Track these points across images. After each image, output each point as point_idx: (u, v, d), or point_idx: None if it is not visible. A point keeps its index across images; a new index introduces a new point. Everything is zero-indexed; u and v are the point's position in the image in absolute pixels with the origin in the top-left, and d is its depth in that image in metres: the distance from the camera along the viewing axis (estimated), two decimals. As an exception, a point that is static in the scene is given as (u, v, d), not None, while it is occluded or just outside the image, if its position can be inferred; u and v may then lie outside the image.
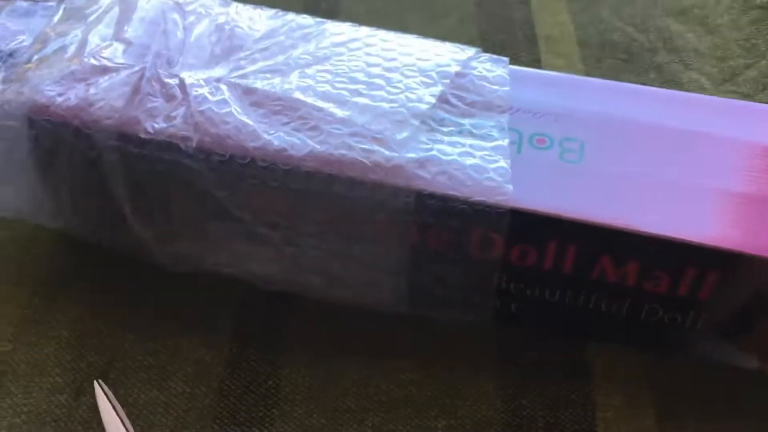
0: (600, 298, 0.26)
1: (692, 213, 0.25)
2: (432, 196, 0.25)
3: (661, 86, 0.38)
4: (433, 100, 0.27)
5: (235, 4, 0.31)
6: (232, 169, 0.26)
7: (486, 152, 0.26)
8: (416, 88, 0.27)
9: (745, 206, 0.25)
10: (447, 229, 0.25)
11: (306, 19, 0.30)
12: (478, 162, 0.26)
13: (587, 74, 0.39)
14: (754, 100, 0.38)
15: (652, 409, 0.26)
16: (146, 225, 0.28)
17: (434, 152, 0.26)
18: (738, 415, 0.26)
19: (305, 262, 0.27)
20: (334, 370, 0.28)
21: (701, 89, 0.38)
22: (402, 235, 0.26)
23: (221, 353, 0.28)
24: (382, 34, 0.30)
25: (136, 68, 0.27)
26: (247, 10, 0.31)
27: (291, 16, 0.30)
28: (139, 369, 0.28)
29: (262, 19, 0.30)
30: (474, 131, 0.27)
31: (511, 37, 0.41)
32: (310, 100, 0.27)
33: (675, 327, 0.26)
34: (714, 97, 0.31)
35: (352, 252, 0.27)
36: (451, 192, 0.25)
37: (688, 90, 0.38)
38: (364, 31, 0.30)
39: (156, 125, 0.26)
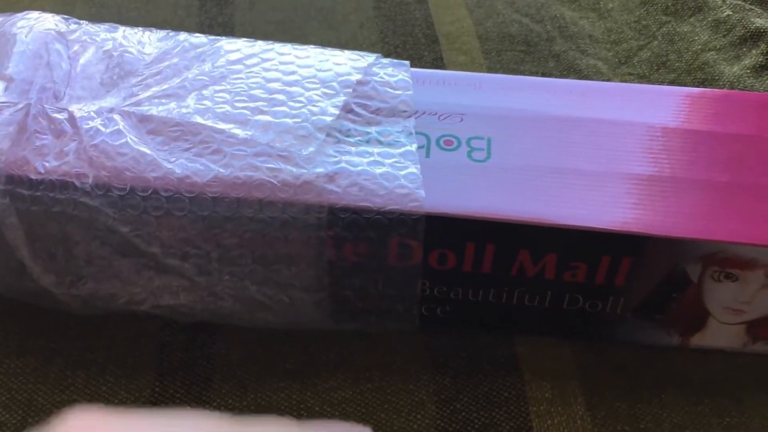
0: (522, 293, 0.26)
1: (601, 201, 0.25)
2: (345, 209, 0.24)
3: (560, 74, 0.39)
4: (336, 112, 0.27)
5: (122, 28, 0.30)
6: (134, 203, 0.25)
7: (395, 159, 0.26)
8: (319, 101, 0.27)
9: (649, 188, 0.26)
10: (363, 241, 0.25)
11: (199, 38, 0.29)
12: (388, 170, 0.25)
13: (489, 68, 0.40)
14: (650, 80, 0.39)
15: (582, 398, 0.27)
16: (48, 270, 0.26)
17: (343, 164, 0.25)
18: (666, 394, 0.27)
19: (222, 290, 0.26)
20: (264, 398, 0.27)
21: (599, 74, 0.39)
22: (318, 252, 0.25)
23: (143, 394, 0.27)
24: (279, 47, 0.29)
25: (20, 105, 0.26)
26: (136, 34, 0.30)
27: (183, 36, 0.29)
28: (57, 422, 0.26)
29: (153, 41, 0.29)
30: (381, 139, 0.26)
31: (411, 38, 0.41)
32: (209, 122, 0.26)
33: (596, 313, 0.27)
34: (609, 83, 0.31)
35: (269, 274, 0.26)
36: (363, 203, 0.24)
37: (587, 76, 0.39)
38: (260, 45, 0.29)
39: (47, 164, 0.25)
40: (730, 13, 0.41)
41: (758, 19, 0.40)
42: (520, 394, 0.27)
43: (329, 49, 0.29)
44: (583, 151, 0.27)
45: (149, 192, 0.24)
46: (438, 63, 0.40)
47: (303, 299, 0.27)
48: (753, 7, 0.41)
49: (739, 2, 0.41)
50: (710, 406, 0.27)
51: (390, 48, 0.41)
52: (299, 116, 0.26)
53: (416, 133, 0.27)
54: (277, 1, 0.44)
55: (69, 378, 0.27)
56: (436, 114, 0.28)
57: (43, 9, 0.43)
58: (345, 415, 0.26)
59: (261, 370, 0.28)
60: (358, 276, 0.26)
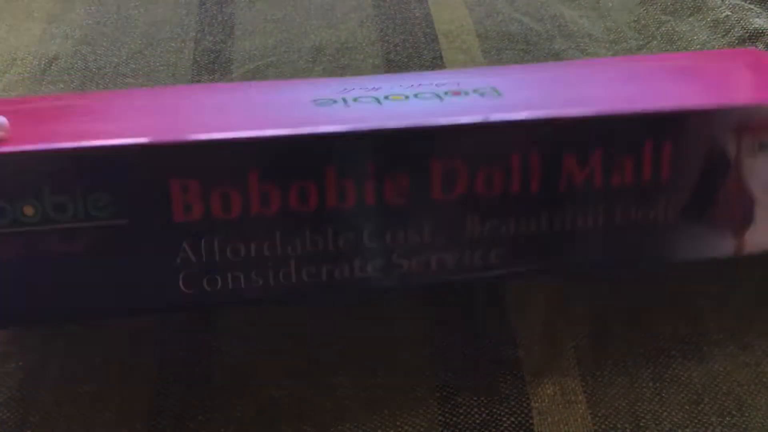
0: (575, 213, 0.25)
1: (631, 91, 0.25)
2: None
3: (561, 73, 0.39)
4: None
5: None
6: None
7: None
8: None
9: (671, 74, 0.27)
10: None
11: None
12: None
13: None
14: (650, 80, 0.39)
15: (583, 396, 0.27)
16: None
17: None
18: (666, 392, 0.27)
19: None
20: (266, 395, 0.27)
21: (599, 73, 0.39)
22: None
23: (143, 392, 0.27)
24: None
25: None
26: None
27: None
28: (59, 419, 0.26)
29: None
30: None
31: (411, 36, 0.41)
32: None
33: (648, 224, 0.26)
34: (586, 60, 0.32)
35: None
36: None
37: (587, 75, 0.39)
38: None
39: None
40: (729, 13, 0.41)
41: (757, 19, 0.40)
42: (521, 392, 0.27)
43: None
44: (594, 78, 0.27)
45: None
46: (437, 62, 0.40)
47: None
48: (752, 6, 0.41)
49: (739, 2, 0.41)
50: (711, 404, 0.27)
51: (389, 47, 0.41)
52: None
53: (421, 93, 0.26)
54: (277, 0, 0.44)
55: (67, 375, 0.27)
56: (432, 83, 0.27)
57: (42, 8, 0.44)
58: (347, 411, 0.26)
59: (262, 367, 0.28)
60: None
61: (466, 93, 0.26)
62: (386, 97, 0.25)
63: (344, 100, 0.25)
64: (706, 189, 0.26)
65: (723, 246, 0.27)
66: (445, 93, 0.26)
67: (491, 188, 0.24)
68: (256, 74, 0.39)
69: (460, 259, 0.25)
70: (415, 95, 0.25)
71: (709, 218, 0.26)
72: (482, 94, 0.25)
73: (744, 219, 0.27)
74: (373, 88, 0.27)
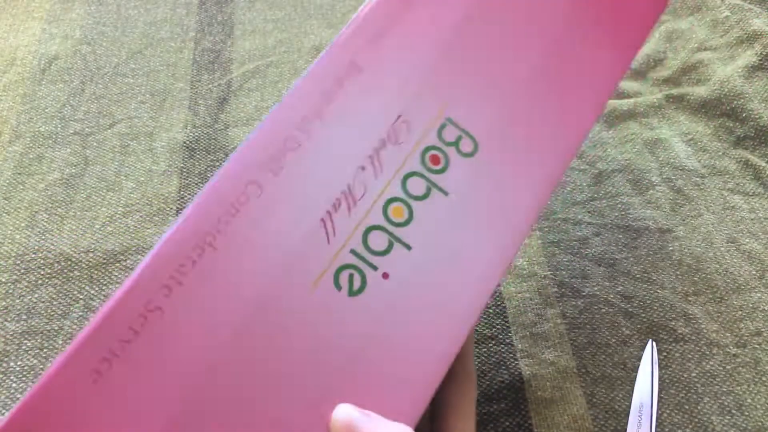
0: None
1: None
2: None
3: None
4: None
5: None
6: None
7: None
8: None
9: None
10: None
11: None
12: None
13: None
14: (645, 78, 0.39)
15: (582, 397, 0.27)
16: None
17: None
18: (666, 393, 0.27)
19: None
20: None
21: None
22: None
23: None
24: None
25: None
26: None
27: None
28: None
29: None
30: None
31: (411, 36, 0.41)
32: None
33: None
34: None
35: None
36: None
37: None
38: None
39: None
40: (729, 13, 0.41)
41: (756, 20, 0.40)
42: (519, 392, 0.27)
43: None
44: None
45: None
46: (437, 62, 0.40)
47: None
48: (752, 6, 0.41)
49: (739, 2, 0.41)
50: (710, 404, 0.27)
51: (389, 47, 0.41)
52: None
53: (407, 176, 0.21)
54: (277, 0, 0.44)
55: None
56: (384, 140, 0.21)
57: (42, 8, 0.44)
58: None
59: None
60: None
61: (443, 153, 0.21)
62: (389, 219, 0.20)
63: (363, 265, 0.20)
64: None
65: None
66: (426, 166, 0.21)
67: None
68: (256, 74, 0.39)
69: None
70: (409, 194, 0.20)
71: None
72: (461, 152, 0.21)
73: None
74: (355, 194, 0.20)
